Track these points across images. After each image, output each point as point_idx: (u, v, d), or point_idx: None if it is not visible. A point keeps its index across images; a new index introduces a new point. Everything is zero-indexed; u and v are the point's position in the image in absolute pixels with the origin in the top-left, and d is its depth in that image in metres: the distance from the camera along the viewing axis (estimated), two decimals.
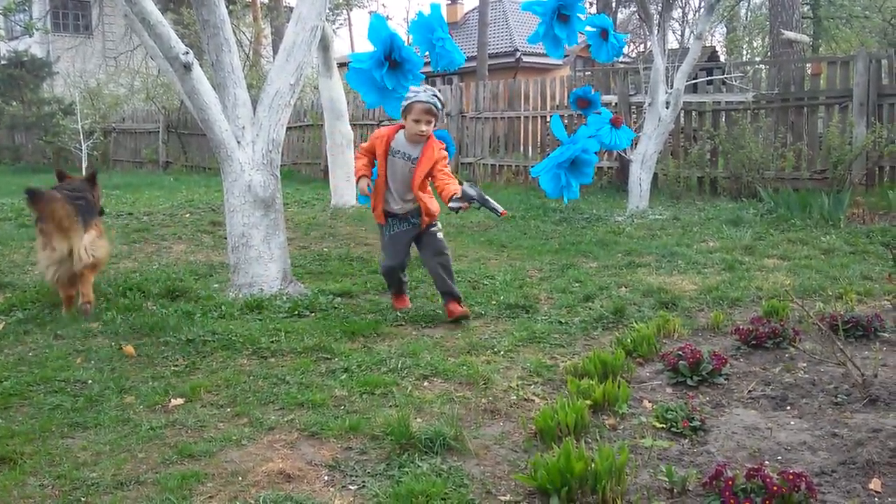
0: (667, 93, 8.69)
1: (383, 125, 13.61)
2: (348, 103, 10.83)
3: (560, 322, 4.27)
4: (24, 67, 17.34)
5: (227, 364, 3.59)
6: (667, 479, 2.31)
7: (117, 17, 21.67)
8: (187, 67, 4.73)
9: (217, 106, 4.86)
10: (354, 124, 12.42)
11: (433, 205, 4.37)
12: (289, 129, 12.07)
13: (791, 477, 2.11)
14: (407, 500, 2.25)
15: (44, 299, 4.77)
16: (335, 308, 4.58)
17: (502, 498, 2.33)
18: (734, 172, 9.54)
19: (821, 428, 2.75)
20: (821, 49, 22.99)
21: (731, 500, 2.08)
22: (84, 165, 14.93)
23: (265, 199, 4.90)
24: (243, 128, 4.93)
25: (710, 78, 10.29)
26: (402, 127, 4.33)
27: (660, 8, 13.14)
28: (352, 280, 5.40)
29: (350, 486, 2.41)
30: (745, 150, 9.27)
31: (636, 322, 4.12)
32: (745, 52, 28.65)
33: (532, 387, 3.28)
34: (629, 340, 3.69)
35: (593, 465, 2.25)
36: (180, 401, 3.13)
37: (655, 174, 9.71)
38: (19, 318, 4.41)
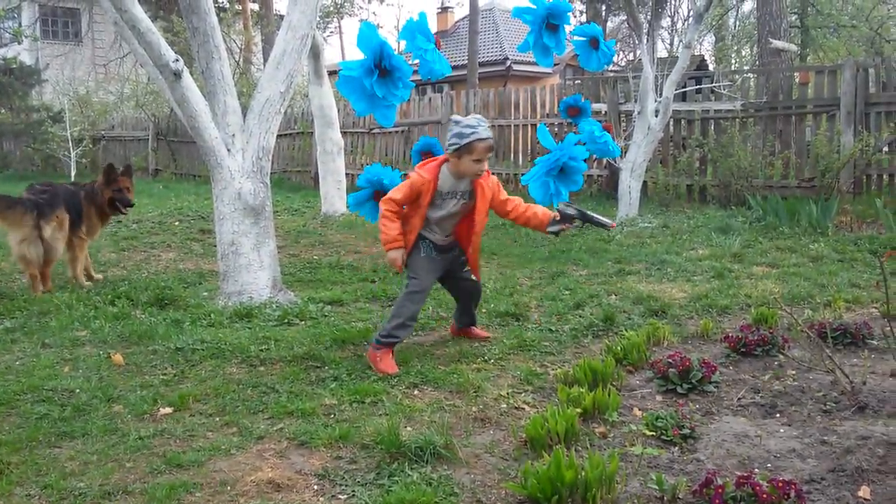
0: (656, 101, 8.74)
1: (374, 132, 13.74)
2: (339, 111, 10.84)
3: (550, 330, 4.27)
4: (12, 75, 17.21)
5: (217, 373, 3.57)
6: (657, 488, 2.31)
7: (107, 24, 21.59)
8: (177, 75, 4.72)
9: (207, 114, 4.85)
10: (345, 132, 12.44)
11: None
12: (279, 136, 12.07)
13: (780, 484, 2.12)
14: None
15: (31, 307, 4.74)
16: (325, 316, 4.57)
17: None
18: (723, 180, 9.58)
19: (810, 435, 2.76)
20: (808, 58, 23.16)
21: None
22: (73, 173, 14.85)
23: (255, 207, 4.89)
24: (233, 135, 4.92)
25: (699, 87, 10.35)
26: (444, 162, 3.77)
27: (649, 17, 13.21)
28: (342, 288, 5.39)
29: (340, 496, 2.40)
30: (733, 159, 9.32)
31: (626, 330, 4.12)
32: (733, 61, 28.83)
33: (522, 395, 3.28)
34: (619, 348, 3.69)
35: (583, 474, 2.25)
36: (169, 410, 3.11)
37: (645, 182, 9.76)
38: (6, 327, 4.39)
